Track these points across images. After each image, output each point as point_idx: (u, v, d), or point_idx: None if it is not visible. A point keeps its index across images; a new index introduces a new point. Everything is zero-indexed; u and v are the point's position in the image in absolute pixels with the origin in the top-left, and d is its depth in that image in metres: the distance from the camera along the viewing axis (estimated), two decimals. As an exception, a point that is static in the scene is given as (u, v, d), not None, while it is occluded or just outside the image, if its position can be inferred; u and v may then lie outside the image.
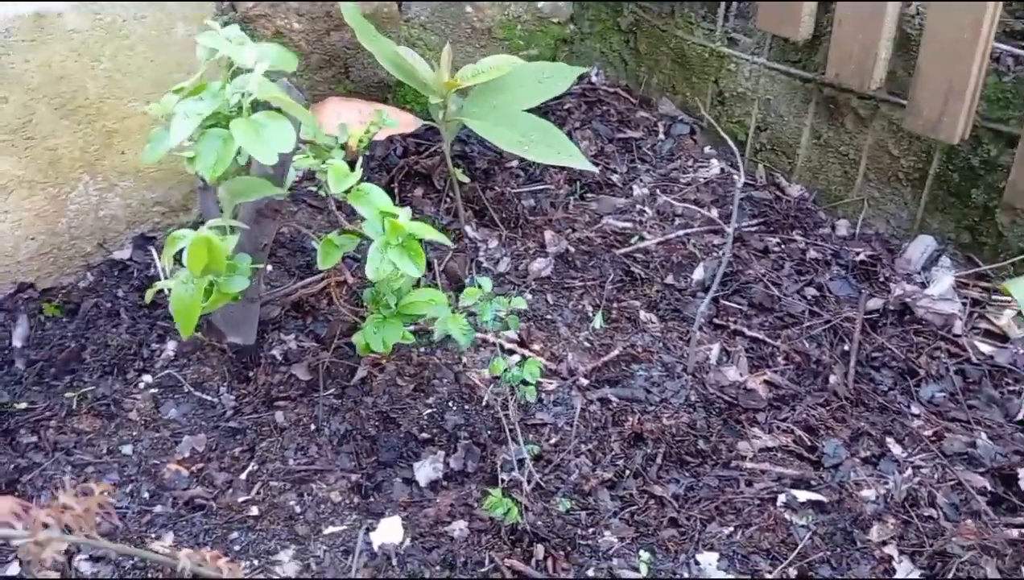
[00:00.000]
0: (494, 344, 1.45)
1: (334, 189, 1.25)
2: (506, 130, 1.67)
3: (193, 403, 1.43)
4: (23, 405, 1.39)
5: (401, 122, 1.70)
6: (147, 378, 1.45)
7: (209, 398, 1.44)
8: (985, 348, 1.59)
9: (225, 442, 1.39)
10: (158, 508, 1.28)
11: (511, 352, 1.57)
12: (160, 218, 1.68)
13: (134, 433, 1.38)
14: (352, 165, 1.31)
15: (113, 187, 1.59)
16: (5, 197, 1.48)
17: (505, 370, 1.25)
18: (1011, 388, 1.51)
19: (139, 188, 1.61)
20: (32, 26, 1.42)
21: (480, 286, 1.28)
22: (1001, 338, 1.61)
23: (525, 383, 1.25)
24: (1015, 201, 1.55)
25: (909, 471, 1.38)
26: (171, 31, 1.56)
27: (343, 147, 1.36)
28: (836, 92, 1.84)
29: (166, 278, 1.32)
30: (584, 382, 1.54)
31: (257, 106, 1.13)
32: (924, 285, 1.72)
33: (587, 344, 1.62)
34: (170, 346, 1.50)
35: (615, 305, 1.70)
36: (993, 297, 1.66)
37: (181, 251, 1.22)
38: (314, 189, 1.67)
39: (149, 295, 1.27)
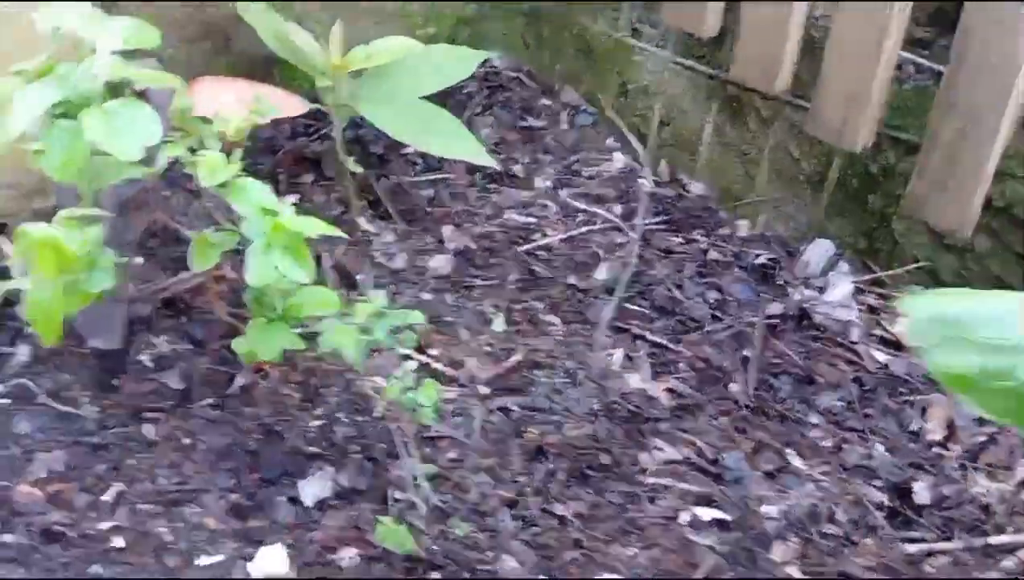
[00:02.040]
0: (389, 352, 1.35)
1: (206, 182, 1.12)
2: (401, 119, 1.56)
3: (50, 416, 1.28)
4: None
5: (287, 105, 1.56)
6: (-6, 388, 1.29)
7: (68, 410, 1.29)
8: (881, 356, 1.60)
9: (86, 460, 1.24)
10: (8, 538, 1.14)
11: (407, 357, 1.47)
12: (11, 203, 1.50)
13: (-23, 451, 1.22)
14: (228, 155, 1.18)
15: (-48, 170, 1.40)
16: None
17: (400, 391, 1.16)
18: (905, 398, 1.53)
19: (-16, 171, 1.42)
20: None
21: (371, 300, 1.18)
22: (896, 346, 1.62)
23: (421, 406, 1.16)
24: (913, 212, 1.56)
25: (810, 486, 1.37)
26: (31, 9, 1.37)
27: (218, 136, 1.23)
28: (739, 91, 1.82)
29: (16, 276, 1.16)
30: (485, 390, 1.46)
31: (119, 89, 0.98)
32: (822, 290, 1.72)
33: (488, 349, 1.54)
34: (23, 350, 1.34)
35: (517, 306, 1.63)
36: (888, 304, 1.68)
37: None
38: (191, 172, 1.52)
39: (-5, 299, 1.11)
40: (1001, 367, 1.01)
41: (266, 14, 1.63)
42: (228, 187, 1.15)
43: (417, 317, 1.20)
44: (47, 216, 1.52)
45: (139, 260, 1.46)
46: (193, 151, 1.21)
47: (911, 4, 1.50)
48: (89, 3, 1.00)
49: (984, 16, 1.36)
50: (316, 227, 1.17)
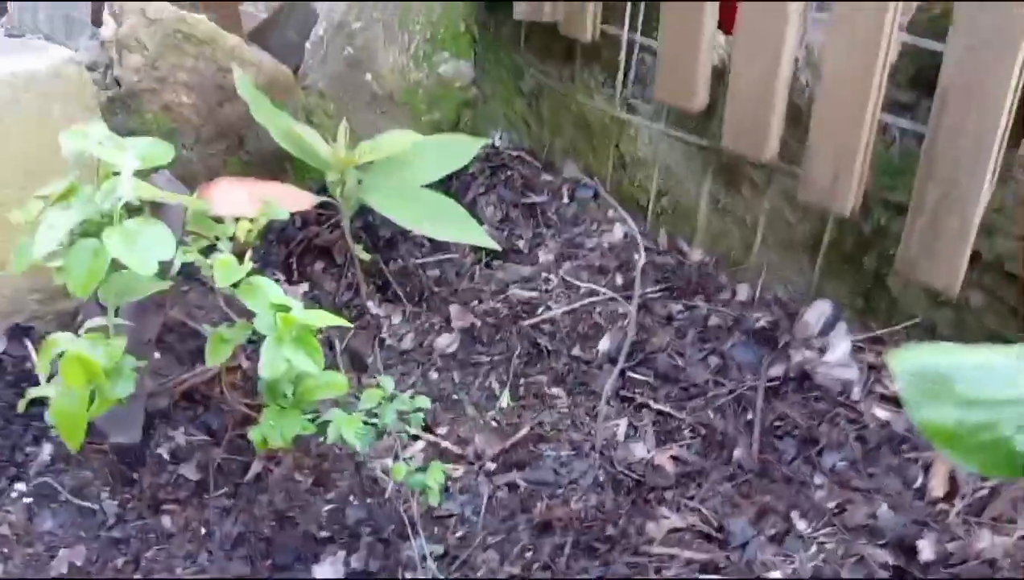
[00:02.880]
0: (398, 434, 1.40)
1: (221, 284, 1.19)
2: (406, 207, 1.64)
3: (71, 512, 1.34)
4: None
5: (297, 200, 1.64)
6: (20, 486, 1.35)
7: (89, 505, 1.35)
8: (882, 414, 1.62)
9: (107, 553, 1.30)
10: (31, 634, 1.19)
11: (416, 437, 1.52)
12: (37, 306, 1.58)
13: (5, 549, 1.28)
14: (241, 257, 1.25)
15: (-17, 278, 1.49)
16: None
17: (408, 473, 1.21)
18: (908, 455, 1.54)
19: (12, 277, 1.51)
20: None
21: (380, 386, 1.24)
22: (896, 402, 1.64)
23: (428, 487, 1.21)
24: (906, 271, 1.59)
25: (814, 548, 1.38)
26: (47, 114, 1.48)
27: (231, 238, 1.31)
28: (732, 160, 1.88)
29: (43, 381, 1.23)
30: (492, 466, 1.50)
31: (133, 209, 1.07)
32: (823, 350, 1.75)
33: (494, 424, 1.59)
34: (46, 449, 1.40)
35: (522, 381, 1.68)
36: (888, 352, 1.70)
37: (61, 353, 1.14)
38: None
39: (22, 404, 1.18)
40: (982, 421, 1.04)
41: (276, 114, 1.73)
42: (241, 287, 1.23)
43: (423, 402, 1.25)
44: (70, 317, 1.61)
45: (156, 355, 1.53)
46: (207, 252, 1.29)
47: (887, 72, 1.56)
48: (105, 129, 1.08)
49: (958, 81, 1.41)
50: (324, 319, 1.23)
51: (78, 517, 1.33)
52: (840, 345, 1.74)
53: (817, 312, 1.81)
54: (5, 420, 1.43)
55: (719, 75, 1.84)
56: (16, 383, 1.49)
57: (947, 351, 1.08)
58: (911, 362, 1.05)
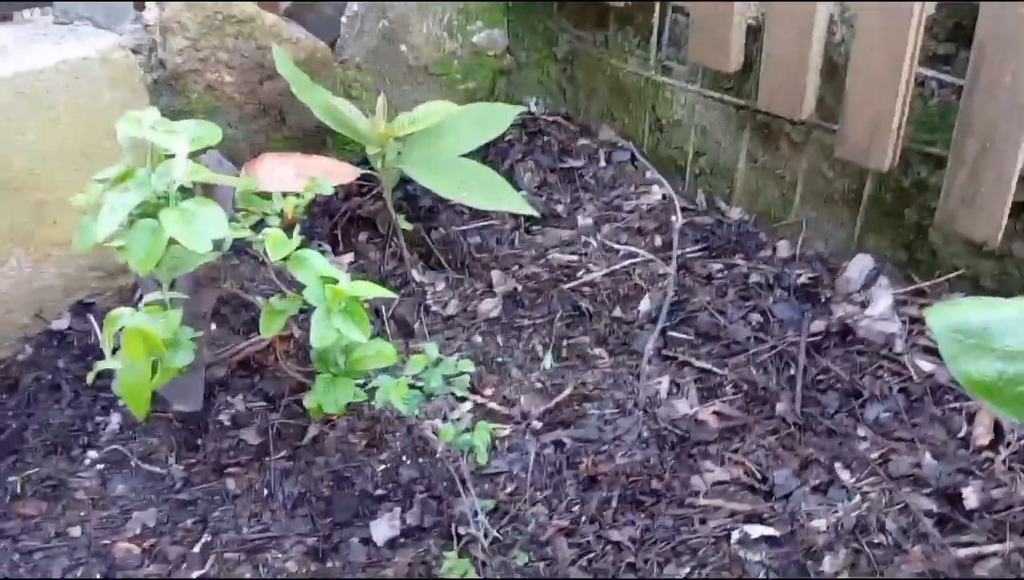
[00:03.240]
0: (445, 397, 1.45)
1: (273, 258, 1.24)
2: (445, 177, 1.67)
3: (141, 477, 1.41)
4: (-36, 492, 1.36)
5: (340, 174, 1.69)
6: (92, 454, 1.43)
7: (157, 470, 1.42)
8: (925, 366, 1.63)
9: (176, 515, 1.37)
10: (110, 591, 1.26)
11: (463, 399, 1.57)
12: (97, 283, 1.66)
13: (82, 513, 1.35)
14: (289, 231, 1.30)
15: (47, 257, 1.56)
16: (-65, 276, 1.45)
17: (456, 435, 1.25)
18: (952, 405, 1.55)
19: (73, 255, 1.58)
20: (-47, 103, 1.39)
21: (425, 352, 1.28)
22: (940, 354, 1.64)
23: (476, 446, 1.25)
24: (946, 224, 1.59)
25: (858, 498, 1.41)
26: (98, 98, 1.53)
27: (279, 213, 1.35)
28: (769, 118, 1.88)
29: (107, 355, 1.30)
30: (537, 425, 1.55)
31: (185, 190, 1.12)
32: (864, 305, 1.76)
33: (539, 385, 1.63)
34: (115, 419, 1.48)
35: (565, 342, 1.71)
36: (926, 308, 1.70)
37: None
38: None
39: (91, 377, 1.24)
40: (1021, 373, 1.06)
41: (316, 90, 1.77)
42: (291, 260, 1.27)
43: (467, 365, 1.29)
44: (129, 293, 1.68)
45: (213, 327, 1.60)
46: (257, 227, 1.34)
47: (923, 28, 1.54)
48: (157, 113, 1.13)
49: (995, 35, 1.40)
50: (371, 290, 1.28)
51: (147, 481, 1.40)
52: (882, 299, 1.74)
53: (858, 266, 1.81)
54: (75, 392, 1.50)
55: (754, 33, 1.84)
56: (82, 357, 1.56)
57: (984, 305, 1.09)
58: (948, 317, 1.07)
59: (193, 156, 1.20)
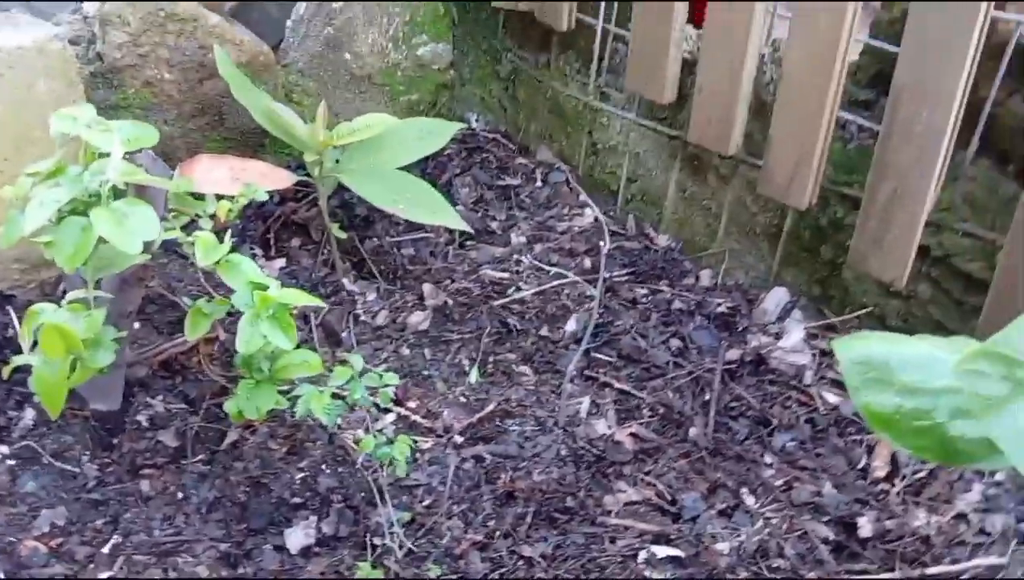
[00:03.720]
0: (368, 409, 1.46)
1: (202, 262, 1.24)
2: (382, 188, 1.69)
3: (53, 474, 1.39)
4: None
5: (276, 179, 1.69)
6: (3, 449, 1.40)
7: (70, 468, 1.40)
8: (832, 398, 1.71)
9: (86, 514, 1.35)
10: (14, 590, 1.24)
11: (387, 410, 1.58)
12: (19, 275, 1.62)
13: (-12, 509, 1.33)
14: (220, 235, 1.30)
15: (-33, 247, 1.53)
16: None
17: (376, 446, 1.27)
18: (854, 437, 1.63)
19: (-4, 246, 1.55)
20: None
21: (350, 363, 1.30)
22: (845, 387, 1.72)
23: (396, 460, 1.27)
24: (857, 264, 1.67)
25: (761, 522, 1.47)
26: (32, 88, 1.51)
27: (211, 216, 1.35)
28: (699, 150, 1.94)
29: (25, 350, 1.28)
30: (459, 439, 1.57)
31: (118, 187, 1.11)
32: (779, 336, 1.83)
33: (463, 399, 1.65)
34: (29, 414, 1.45)
35: (491, 358, 1.74)
36: (834, 339, 1.78)
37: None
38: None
39: (6, 372, 1.22)
40: (920, 407, 1.12)
41: (256, 93, 1.77)
42: (221, 264, 1.28)
43: (392, 378, 1.31)
44: (52, 286, 1.65)
45: (136, 326, 1.58)
46: (188, 228, 1.33)
47: (846, 72, 1.62)
48: (93, 108, 1.12)
49: (910, 84, 1.48)
50: (300, 298, 1.29)
51: (59, 479, 1.38)
52: (795, 331, 1.82)
53: (775, 299, 1.89)
54: (-12, 386, 1.47)
55: (690, 67, 1.91)
56: (0, 349, 1.53)
57: (889, 340, 1.16)
58: (855, 350, 1.13)
59: (127, 154, 1.20)
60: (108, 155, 1.10)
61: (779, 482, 1.55)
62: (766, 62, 1.82)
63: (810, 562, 1.41)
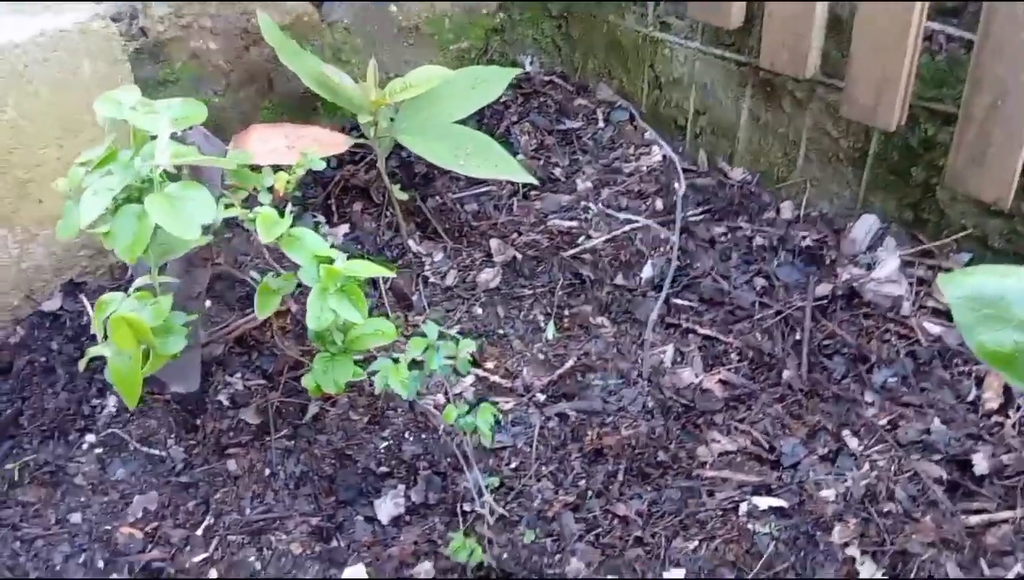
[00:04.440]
0: (457, 364, 1.41)
1: (264, 239, 1.20)
2: (440, 145, 1.63)
3: (141, 460, 1.39)
4: (-39, 480, 1.34)
5: (332, 143, 1.64)
6: (90, 438, 1.40)
7: (157, 452, 1.40)
8: (934, 329, 1.60)
9: (178, 497, 1.35)
10: (114, 577, 1.25)
11: (462, 374, 1.54)
12: (88, 262, 1.62)
13: (82, 499, 1.33)
14: (280, 208, 1.26)
15: (34, 237, 1.52)
16: (-81, 262, 1.41)
17: (458, 416, 1.23)
18: (960, 369, 1.53)
19: (62, 234, 1.54)
20: (-73, 80, 1.34)
21: (425, 333, 1.25)
22: (948, 316, 1.62)
23: (480, 428, 1.23)
24: (954, 185, 1.55)
25: (866, 466, 1.39)
26: (77, 71, 1.48)
27: (270, 189, 1.31)
28: (771, 75, 1.82)
29: (99, 339, 1.26)
30: (541, 398, 1.52)
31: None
32: (871, 266, 1.73)
33: (541, 356, 1.60)
34: (111, 401, 1.45)
35: (566, 312, 1.68)
36: (939, 275, 1.67)
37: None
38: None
39: (83, 364, 1.21)
40: (1043, 342, 1.03)
41: (303, 57, 1.71)
42: (284, 239, 1.23)
43: (468, 344, 1.26)
44: (121, 270, 1.64)
45: (207, 304, 1.56)
46: (247, 202, 1.29)
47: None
48: (137, 90, 1.08)
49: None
50: (367, 269, 1.24)
51: (147, 464, 1.38)
52: (888, 260, 1.71)
53: (864, 227, 1.78)
54: (69, 375, 1.47)
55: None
56: (75, 338, 1.53)
57: (1000, 273, 1.06)
58: (963, 286, 1.04)
59: (177, 133, 1.16)
60: (157, 138, 1.06)
61: (883, 421, 1.47)
62: (841, -27, 1.69)
63: (923, 504, 1.33)
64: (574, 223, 1.87)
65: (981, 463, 1.38)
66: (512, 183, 1.94)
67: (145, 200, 1.02)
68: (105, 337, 1.17)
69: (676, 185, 1.86)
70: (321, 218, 1.82)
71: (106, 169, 1.04)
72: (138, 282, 1.16)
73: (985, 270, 1.07)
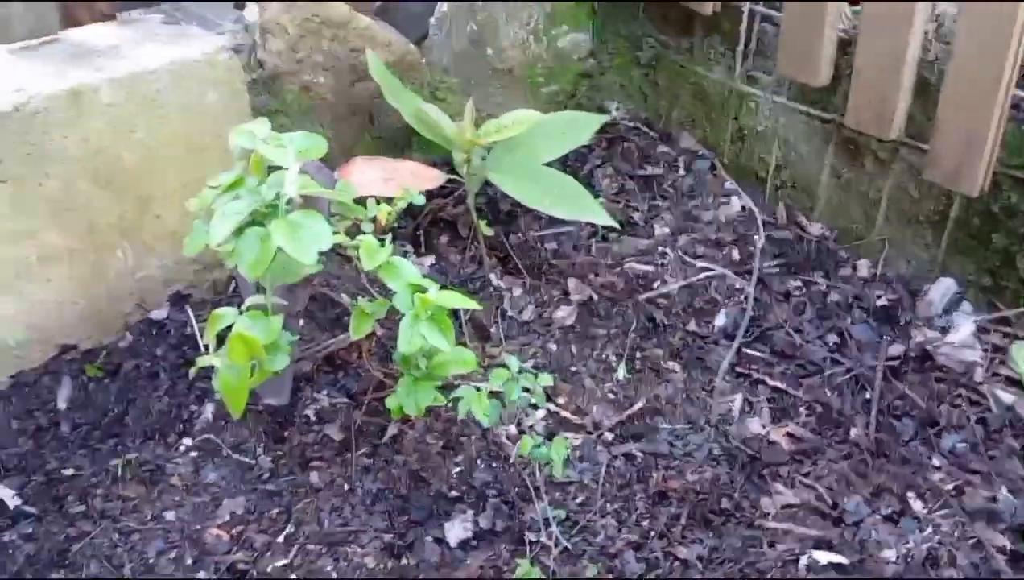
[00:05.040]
0: (533, 396, 1.48)
1: (367, 266, 1.29)
2: (529, 186, 1.70)
3: (231, 466, 1.48)
4: (70, 471, 1.45)
5: (426, 178, 1.73)
6: (187, 441, 1.51)
7: (246, 460, 1.49)
8: (1006, 397, 1.61)
9: (263, 504, 1.44)
10: (201, 575, 1.34)
11: (536, 406, 1.60)
12: (194, 276, 1.73)
13: (176, 498, 1.43)
14: (382, 240, 1.35)
15: (151, 250, 1.64)
16: (48, 266, 1.54)
17: (533, 447, 1.29)
18: (1032, 440, 1.53)
19: (175, 248, 1.65)
20: (69, 103, 1.47)
21: (506, 365, 1.32)
22: (1021, 385, 1.62)
23: (553, 461, 1.28)
24: (1035, 255, 1.56)
25: (930, 529, 1.40)
26: (203, 98, 1.60)
27: (372, 220, 1.40)
28: (855, 133, 1.86)
29: (209, 349, 1.36)
30: (609, 436, 1.57)
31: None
32: (945, 330, 1.74)
33: (611, 396, 1.65)
34: (208, 408, 1.55)
35: (638, 354, 1.73)
36: (1013, 343, 1.67)
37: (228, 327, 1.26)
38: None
39: (192, 372, 1.31)
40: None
41: (406, 95, 1.81)
42: (383, 267, 1.32)
43: (546, 379, 1.32)
44: (223, 284, 1.75)
45: (300, 322, 1.66)
46: (351, 233, 1.39)
47: (1021, 51, 1.51)
48: (268, 123, 1.18)
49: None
50: (457, 301, 1.32)
51: (237, 470, 1.47)
52: (964, 325, 1.72)
53: (941, 290, 1.79)
54: (172, 381, 1.58)
55: (844, 46, 1.82)
56: (179, 346, 1.64)
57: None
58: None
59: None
60: (279, 167, 1.16)
61: (949, 486, 1.48)
62: (930, 39, 1.72)
63: (984, 572, 1.34)
64: (650, 267, 1.92)
65: (1048, 537, 1.38)
66: (592, 225, 2.00)
67: (272, 224, 1.11)
68: (218, 347, 1.27)
69: (755, 236, 1.90)
70: (409, 248, 1.91)
71: (234, 193, 1.14)
72: (250, 301, 1.26)
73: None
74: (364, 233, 1.36)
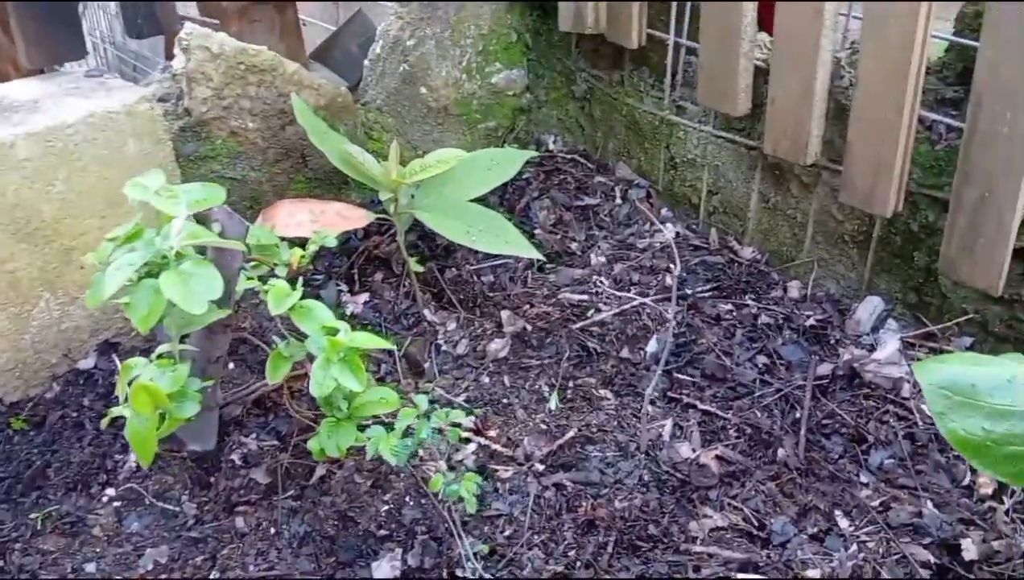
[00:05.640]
0: (446, 434, 1.48)
1: (275, 311, 1.29)
2: (453, 222, 1.72)
3: (155, 514, 1.47)
4: (-9, 526, 1.44)
5: (354, 218, 1.75)
6: (110, 491, 1.50)
7: (171, 508, 1.48)
8: (932, 412, 1.62)
9: (187, 552, 1.43)
10: (122, 626, 1.33)
11: (467, 440, 1.60)
12: (123, 323, 1.73)
13: (97, 549, 1.42)
14: (294, 283, 1.35)
15: (74, 300, 1.65)
16: (-32, 321, 1.54)
17: (445, 484, 1.29)
18: (957, 453, 1.54)
19: (101, 298, 1.66)
20: (-15, 158, 1.48)
21: (415, 404, 1.32)
22: (947, 400, 1.63)
23: (465, 498, 1.28)
24: (948, 272, 1.59)
25: (855, 547, 1.41)
26: (122, 149, 1.62)
27: (287, 264, 1.41)
28: (779, 159, 1.89)
29: (122, 400, 1.36)
30: (539, 467, 1.57)
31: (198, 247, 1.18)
32: (873, 347, 1.76)
33: (543, 426, 1.66)
34: (132, 457, 1.54)
35: (571, 383, 1.74)
36: (914, 363, 1.69)
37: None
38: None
39: (104, 423, 1.31)
40: (1012, 432, 1.06)
41: (331, 137, 1.83)
42: (295, 310, 1.33)
43: (458, 415, 1.33)
44: (153, 333, 1.75)
45: (231, 366, 1.66)
46: (266, 278, 1.40)
47: (923, 73, 1.55)
48: (162, 175, 1.20)
49: (992, 86, 1.40)
50: (368, 342, 1.33)
51: (161, 519, 1.46)
52: (890, 342, 1.74)
53: (868, 308, 1.81)
54: (96, 431, 1.57)
55: (764, 75, 1.86)
56: (106, 395, 1.64)
57: (973, 361, 1.10)
58: (937, 374, 1.08)
59: (203, 211, 1.27)
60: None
61: (876, 503, 1.48)
62: (843, 66, 1.76)
63: (909, 589, 1.34)
64: (585, 296, 1.94)
65: (971, 548, 1.38)
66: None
67: (161, 276, 1.12)
68: (127, 398, 1.27)
69: (673, 267, 1.92)
70: (344, 286, 1.92)
71: (131, 245, 1.15)
72: (160, 349, 1.26)
73: (958, 358, 1.11)
74: (278, 277, 1.37)
